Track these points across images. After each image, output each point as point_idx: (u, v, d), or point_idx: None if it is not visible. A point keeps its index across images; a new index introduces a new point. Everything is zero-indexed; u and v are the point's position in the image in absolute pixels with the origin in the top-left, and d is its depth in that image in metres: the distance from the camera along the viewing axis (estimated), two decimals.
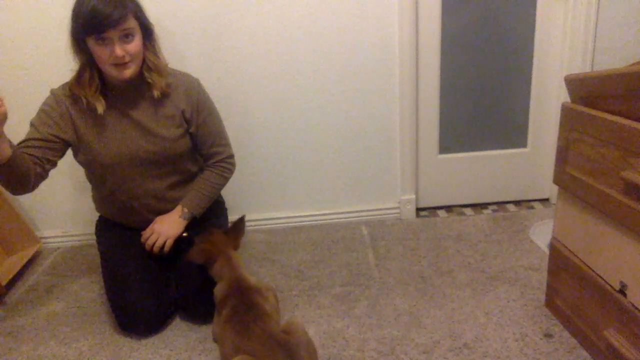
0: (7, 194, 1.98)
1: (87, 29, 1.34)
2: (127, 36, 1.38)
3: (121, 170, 1.53)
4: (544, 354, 1.33)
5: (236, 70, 1.93)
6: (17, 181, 1.35)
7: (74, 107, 1.47)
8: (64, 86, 1.49)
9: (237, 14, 1.86)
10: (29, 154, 1.38)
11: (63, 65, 1.51)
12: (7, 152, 1.24)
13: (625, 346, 1.14)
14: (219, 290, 1.42)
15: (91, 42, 1.37)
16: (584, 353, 1.32)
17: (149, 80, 1.48)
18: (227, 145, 1.67)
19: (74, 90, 1.45)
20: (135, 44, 1.40)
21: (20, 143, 1.41)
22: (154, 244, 1.54)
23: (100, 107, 1.44)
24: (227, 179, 1.67)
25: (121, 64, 1.39)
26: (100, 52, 1.37)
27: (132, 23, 1.38)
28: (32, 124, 1.45)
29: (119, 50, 1.36)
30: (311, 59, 1.93)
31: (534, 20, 1.97)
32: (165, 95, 1.51)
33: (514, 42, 2.01)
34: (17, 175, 1.32)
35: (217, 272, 1.45)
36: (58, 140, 1.46)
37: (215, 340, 1.46)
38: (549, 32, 1.98)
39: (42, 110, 1.47)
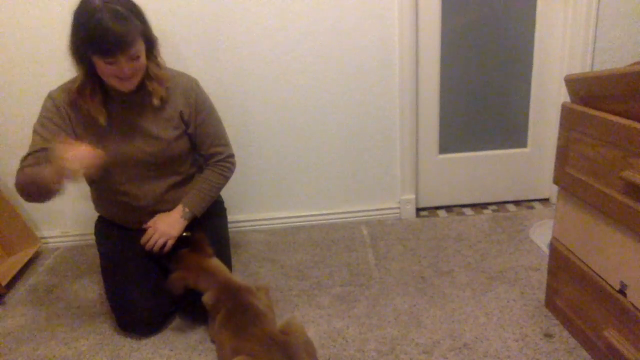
0: (7, 194, 1.98)
1: (96, 50, 1.31)
2: (134, 57, 1.36)
3: (120, 171, 1.53)
4: (544, 354, 1.33)
5: (236, 70, 1.93)
6: (50, 194, 1.35)
7: (73, 112, 1.47)
8: (62, 90, 1.49)
9: (236, 14, 1.85)
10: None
11: (63, 65, 1.51)
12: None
13: (625, 346, 1.14)
14: (208, 297, 1.39)
15: (96, 58, 1.34)
16: (584, 353, 1.32)
17: (150, 89, 1.48)
18: (227, 145, 1.67)
19: (76, 100, 1.45)
20: (141, 62, 1.40)
21: (32, 154, 1.40)
22: (155, 244, 1.54)
23: (102, 119, 1.45)
24: (227, 178, 1.67)
25: (125, 78, 1.39)
26: (106, 69, 1.35)
27: (140, 45, 1.37)
28: (37, 133, 1.44)
29: (127, 71, 1.36)
30: (311, 59, 1.93)
31: (534, 20, 1.97)
32: (163, 99, 1.51)
33: (514, 42, 2.01)
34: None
35: (202, 286, 1.41)
36: None
37: (213, 341, 1.46)
38: (549, 32, 1.98)
39: (44, 117, 1.46)
